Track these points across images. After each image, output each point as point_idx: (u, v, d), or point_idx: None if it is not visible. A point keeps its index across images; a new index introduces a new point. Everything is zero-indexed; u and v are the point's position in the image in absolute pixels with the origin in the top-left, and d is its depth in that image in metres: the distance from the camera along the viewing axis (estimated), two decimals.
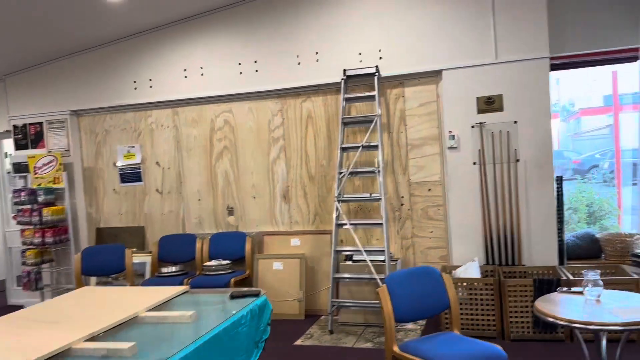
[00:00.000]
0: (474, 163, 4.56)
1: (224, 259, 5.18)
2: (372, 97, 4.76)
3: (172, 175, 5.64)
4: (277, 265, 5.10)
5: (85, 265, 5.00)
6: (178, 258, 5.38)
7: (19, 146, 6.03)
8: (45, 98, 5.93)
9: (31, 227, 5.64)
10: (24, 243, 5.66)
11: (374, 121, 4.66)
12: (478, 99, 4.53)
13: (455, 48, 4.59)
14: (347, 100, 4.87)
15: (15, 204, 5.67)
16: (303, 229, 5.20)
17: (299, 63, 5.03)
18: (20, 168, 5.98)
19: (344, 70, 4.82)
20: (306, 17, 4.97)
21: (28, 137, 5.99)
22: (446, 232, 4.80)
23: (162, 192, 5.69)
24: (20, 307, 6.25)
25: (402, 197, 4.91)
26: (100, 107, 5.76)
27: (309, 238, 5.13)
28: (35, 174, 5.78)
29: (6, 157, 6.59)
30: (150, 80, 5.54)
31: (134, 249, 5.75)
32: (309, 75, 5.01)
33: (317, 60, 4.98)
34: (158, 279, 5.03)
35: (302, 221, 5.20)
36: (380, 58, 4.81)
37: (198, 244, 5.35)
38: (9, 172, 6.43)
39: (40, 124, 5.95)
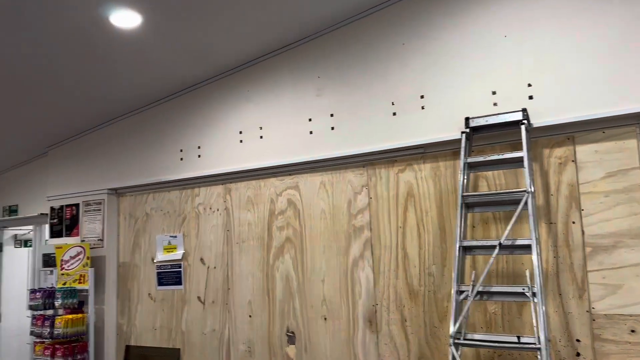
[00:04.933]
0: None
1: None
2: (518, 160, 2.78)
3: (218, 278, 4.01)
4: None
5: None
6: None
7: (54, 233, 4.90)
8: (83, 174, 4.80)
9: (41, 341, 4.30)
10: None
11: (522, 202, 2.64)
12: None
13: None
14: (471, 166, 2.93)
15: (30, 307, 4.40)
16: None
17: (394, 113, 3.27)
18: (49, 261, 4.80)
19: (467, 118, 2.94)
20: (406, 46, 3.26)
21: (63, 221, 4.85)
22: None
23: (204, 302, 4.06)
24: None
25: (578, 340, 2.70)
26: (141, 185, 4.44)
27: None
28: (62, 268, 4.53)
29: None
30: (198, 147, 4.13)
31: None
32: (410, 130, 3.20)
33: (423, 108, 3.17)
34: None
35: None
36: (531, 97, 2.86)
37: None
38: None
39: (77, 205, 4.79)
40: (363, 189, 3.41)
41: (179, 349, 4.12)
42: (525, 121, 2.76)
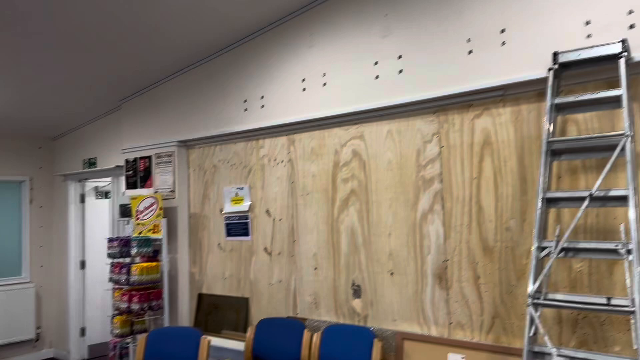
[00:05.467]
0: None
1: None
2: (614, 100, 2.41)
3: (283, 230, 3.96)
4: None
5: (148, 355, 3.55)
6: (277, 355, 3.61)
7: (129, 184, 5.06)
8: (154, 127, 4.87)
9: (120, 287, 4.51)
10: (114, 307, 4.54)
11: (619, 147, 2.29)
12: None
13: None
14: (559, 108, 2.59)
15: (109, 255, 4.62)
16: (471, 337, 2.97)
17: (470, 51, 2.95)
18: (125, 211, 4.98)
19: (555, 53, 2.58)
20: None
21: (137, 173, 4.99)
22: None
23: (271, 253, 4.04)
24: None
25: None
26: (209, 136, 4.43)
27: (482, 358, 2.87)
28: (137, 219, 4.69)
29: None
30: (262, 97, 4.02)
31: (231, 332, 4.18)
32: (488, 70, 2.88)
33: (503, 44, 2.83)
34: None
35: (470, 324, 2.98)
36: (632, 26, 2.45)
37: (306, 337, 3.51)
38: None
39: (149, 158, 4.90)
40: (434, 137, 3.16)
41: (247, 298, 4.17)
42: (624, 54, 2.37)
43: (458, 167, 3.04)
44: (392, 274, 3.31)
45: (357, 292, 3.49)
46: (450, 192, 3.07)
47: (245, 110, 4.14)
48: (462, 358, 2.92)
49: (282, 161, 3.98)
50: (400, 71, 3.23)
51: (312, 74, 3.70)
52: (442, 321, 3.08)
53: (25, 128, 5.84)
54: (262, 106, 4.02)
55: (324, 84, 3.63)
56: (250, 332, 3.77)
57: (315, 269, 3.73)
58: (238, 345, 3.98)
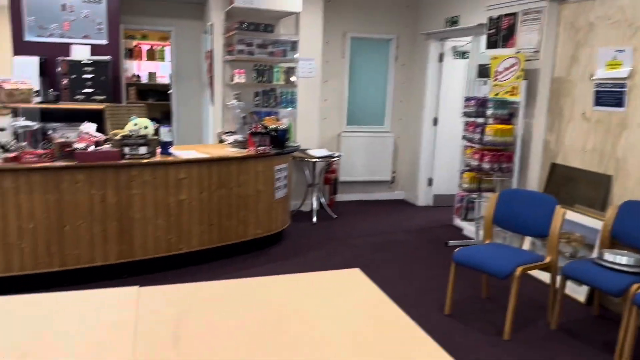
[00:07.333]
0: None
1: None
2: None
3: None
4: None
5: (498, 212, 3.66)
6: None
7: (490, 44, 4.94)
8: None
9: (472, 145, 4.66)
10: (464, 163, 4.78)
11: None
12: None
13: None
14: None
15: (464, 114, 4.76)
16: None
17: None
18: (483, 71, 4.95)
19: None
20: None
21: (500, 32, 4.79)
22: None
23: None
24: (459, 229, 5.60)
25: None
26: None
27: None
28: (495, 79, 4.62)
29: None
30: None
31: (586, 207, 3.90)
32: None
33: None
34: (593, 269, 3.16)
35: None
36: None
37: None
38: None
39: (515, 15, 4.60)
40: None
41: (610, 176, 3.76)
42: None
43: None
44: None
45: None
46: None
47: None
48: None
49: None
50: None
51: None
52: None
53: None
54: None
55: None
56: (611, 212, 3.44)
57: None
58: (593, 223, 3.73)
